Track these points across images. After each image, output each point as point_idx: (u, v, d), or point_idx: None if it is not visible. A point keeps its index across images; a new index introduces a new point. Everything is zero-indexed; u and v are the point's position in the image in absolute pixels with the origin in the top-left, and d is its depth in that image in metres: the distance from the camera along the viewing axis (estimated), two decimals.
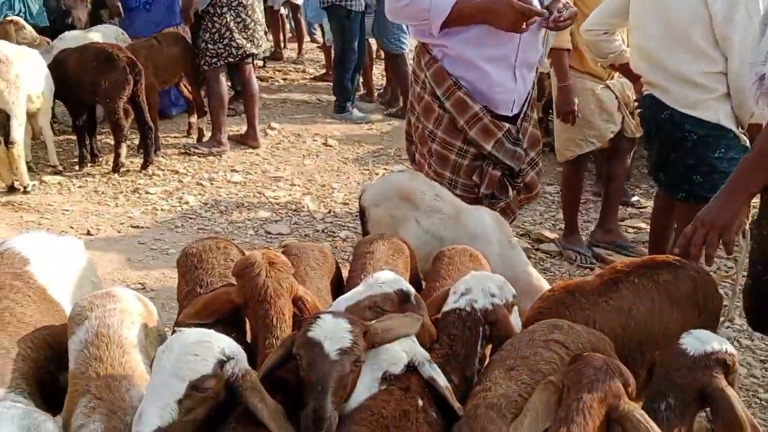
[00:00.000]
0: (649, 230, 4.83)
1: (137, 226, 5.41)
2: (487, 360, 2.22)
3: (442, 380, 1.99)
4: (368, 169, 7.19)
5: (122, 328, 2.10)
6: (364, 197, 3.62)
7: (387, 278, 2.23)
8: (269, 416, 1.74)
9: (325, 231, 5.69)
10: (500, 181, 3.56)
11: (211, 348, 1.74)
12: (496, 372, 2.08)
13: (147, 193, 6.06)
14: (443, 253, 2.89)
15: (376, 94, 9.74)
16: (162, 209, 5.78)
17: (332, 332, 1.81)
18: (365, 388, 1.92)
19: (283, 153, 7.50)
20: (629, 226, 6.00)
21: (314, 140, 7.94)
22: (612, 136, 5.01)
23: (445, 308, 2.27)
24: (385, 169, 7.15)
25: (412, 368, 1.99)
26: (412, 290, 2.25)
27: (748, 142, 3.64)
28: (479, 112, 3.49)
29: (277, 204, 6.15)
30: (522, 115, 3.66)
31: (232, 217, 5.78)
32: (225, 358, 1.76)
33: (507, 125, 3.55)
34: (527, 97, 3.72)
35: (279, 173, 6.89)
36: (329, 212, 6.07)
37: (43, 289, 2.37)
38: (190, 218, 5.66)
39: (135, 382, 1.95)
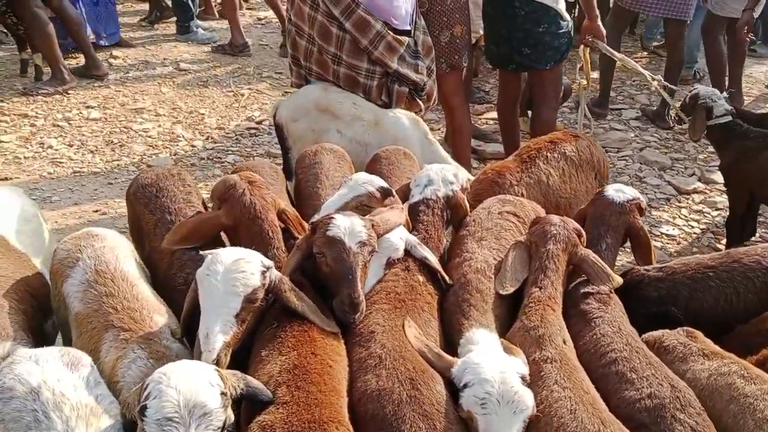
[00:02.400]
0: (498, 117, 5.33)
1: (5, 178, 4.92)
2: (457, 235, 2.54)
3: (432, 258, 2.28)
4: (232, 91, 7.01)
5: (120, 263, 2.10)
6: (280, 114, 3.68)
7: (367, 178, 2.43)
8: (310, 311, 1.92)
9: (211, 158, 5.58)
10: (408, 96, 3.72)
11: (252, 262, 1.86)
12: (468, 244, 2.42)
13: (0, 141, 5.46)
14: (380, 155, 3.12)
15: (216, 9, 9.26)
16: (25, 157, 5.28)
17: (349, 229, 2.00)
18: (374, 274, 2.16)
19: (136, 83, 7.03)
20: (489, 119, 6.59)
21: (164, 66, 7.51)
22: (481, 32, 5.40)
23: (413, 200, 2.54)
24: (249, 89, 7.03)
25: (406, 252, 2.25)
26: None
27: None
28: (381, 29, 3.55)
29: (149, 137, 5.87)
30: (415, 25, 3.80)
31: (107, 156, 5.45)
32: (265, 268, 1.89)
33: (407, 39, 3.67)
34: (415, 7, 3.85)
35: (139, 104, 6.50)
36: (207, 139, 5.93)
37: (5, 240, 2.25)
38: (61, 163, 5.25)
39: (153, 310, 2.01)
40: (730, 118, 4.05)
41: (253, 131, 6.15)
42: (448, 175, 2.55)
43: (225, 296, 1.81)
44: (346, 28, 3.53)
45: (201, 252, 1.94)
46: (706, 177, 5.43)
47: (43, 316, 2.20)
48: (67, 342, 2.12)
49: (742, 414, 1.77)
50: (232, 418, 1.55)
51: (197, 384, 1.50)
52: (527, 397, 1.73)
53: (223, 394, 1.52)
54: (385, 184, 2.45)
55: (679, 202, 5.20)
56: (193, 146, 5.78)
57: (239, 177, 2.31)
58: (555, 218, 2.38)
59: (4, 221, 2.31)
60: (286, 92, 7.07)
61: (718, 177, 5.36)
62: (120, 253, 2.15)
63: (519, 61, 4.22)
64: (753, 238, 4.29)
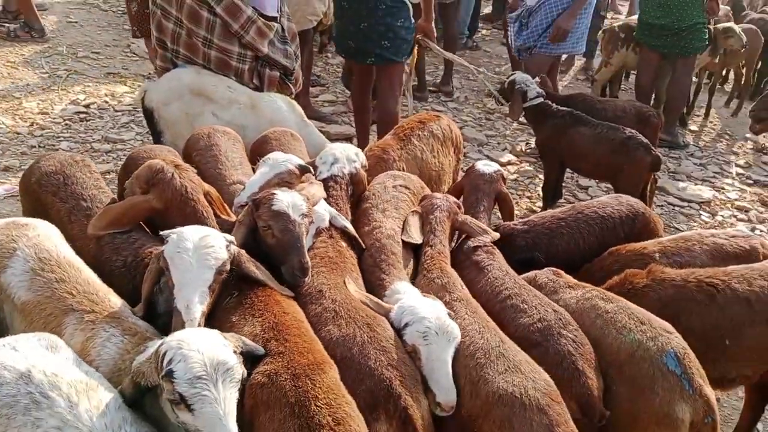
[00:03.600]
0: (352, 103, 5.72)
1: None
2: (361, 207, 2.86)
3: (350, 227, 2.59)
4: (47, 72, 6.50)
5: (59, 249, 2.10)
6: (150, 98, 3.65)
7: (284, 157, 2.64)
8: (266, 277, 2.12)
9: (42, 145, 5.21)
10: (279, 81, 3.88)
11: (217, 237, 2.01)
12: (374, 215, 2.77)
13: None
14: (268, 136, 3.30)
15: None
16: None
17: (292, 203, 2.23)
18: (306, 243, 2.39)
19: None
20: (324, 101, 6.95)
21: None
22: (321, 16, 5.71)
23: (321, 176, 2.80)
24: (66, 70, 6.57)
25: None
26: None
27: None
28: (252, 15, 3.67)
29: None
30: (280, 12, 3.96)
31: None
32: (228, 242, 2.04)
33: (276, 25, 3.83)
34: None
35: None
36: (32, 125, 5.50)
37: None
38: None
39: (107, 292, 2.06)
40: (541, 99, 4.85)
41: (82, 115, 5.82)
42: (350, 154, 2.85)
43: (199, 270, 1.93)
44: (216, 12, 3.59)
45: (161, 233, 2.03)
46: (515, 150, 6.35)
47: None
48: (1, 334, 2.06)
49: (606, 326, 2.32)
50: (246, 373, 1.72)
51: (214, 345, 1.64)
52: (456, 328, 2.14)
53: (234, 352, 1.69)
54: (302, 162, 2.68)
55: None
56: (17, 134, 5.33)
57: (164, 161, 2.38)
58: (439, 195, 2.87)
59: None
60: (109, 73, 6.74)
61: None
62: (56, 241, 2.12)
63: (379, 54, 4.45)
64: (560, 200, 5.19)
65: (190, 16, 3.59)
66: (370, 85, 4.93)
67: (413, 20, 4.52)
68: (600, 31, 7.56)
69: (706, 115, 7.80)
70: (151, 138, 4.07)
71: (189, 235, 1.98)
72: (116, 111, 5.97)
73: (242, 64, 3.72)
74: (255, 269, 2.11)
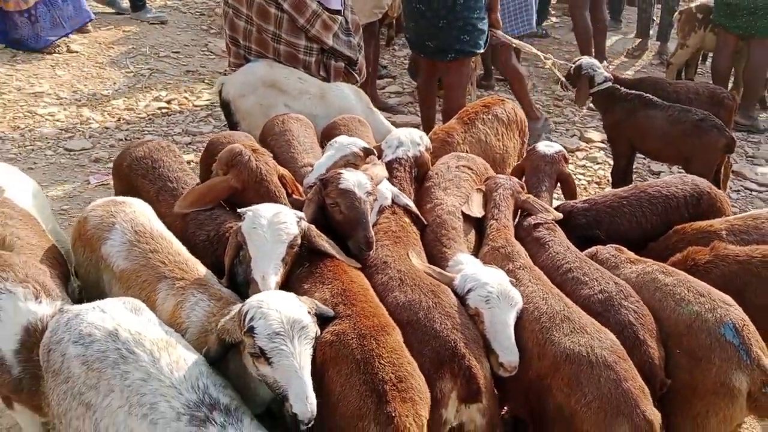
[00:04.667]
0: (417, 94, 5.81)
1: None
2: (424, 186, 2.98)
3: (412, 205, 2.72)
4: (132, 72, 6.93)
5: (152, 224, 2.33)
6: (227, 91, 3.89)
7: (349, 140, 2.81)
8: (335, 250, 2.29)
9: (128, 138, 5.58)
10: (344, 71, 4.06)
11: (289, 213, 2.19)
12: (436, 193, 2.89)
13: None
14: (337, 122, 3.48)
15: None
16: None
17: (358, 181, 2.38)
18: (371, 219, 2.54)
19: (27, 66, 6.73)
20: (390, 92, 7.08)
21: (54, 48, 7.22)
22: (386, 8, 5.83)
23: (386, 159, 2.95)
24: (149, 69, 6.98)
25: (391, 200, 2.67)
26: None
27: None
28: (317, 9, 3.87)
29: (58, 120, 5.74)
30: (344, 5, 4.14)
31: (18, 141, 5.30)
32: (299, 218, 2.22)
33: (339, 17, 4.01)
34: None
35: (37, 89, 6.27)
36: (119, 120, 5.90)
37: (26, 213, 2.38)
38: None
39: (195, 261, 2.27)
40: (609, 84, 4.79)
41: (164, 110, 6.18)
42: (415, 138, 2.98)
43: (273, 245, 2.12)
44: (284, 8, 3.80)
45: (239, 210, 2.23)
46: (585, 136, 6.28)
47: (66, 279, 2.36)
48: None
49: (665, 298, 2.36)
50: (319, 331, 1.89)
51: (291, 305, 1.80)
52: (517, 294, 2.24)
53: (309, 312, 1.85)
54: (366, 144, 2.84)
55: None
56: (106, 128, 5.74)
57: (242, 145, 2.59)
58: (503, 175, 2.98)
59: (22, 195, 2.42)
60: (188, 71, 7.10)
61: (594, 135, 6.25)
62: (150, 216, 2.37)
63: (459, 49, 4.44)
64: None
65: (259, 13, 3.82)
66: (437, 77, 4.97)
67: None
68: (676, 13, 7.34)
69: None
70: (226, 130, 4.33)
71: (263, 212, 2.17)
72: (195, 106, 6.32)
73: (309, 56, 3.91)
74: (324, 243, 2.27)
